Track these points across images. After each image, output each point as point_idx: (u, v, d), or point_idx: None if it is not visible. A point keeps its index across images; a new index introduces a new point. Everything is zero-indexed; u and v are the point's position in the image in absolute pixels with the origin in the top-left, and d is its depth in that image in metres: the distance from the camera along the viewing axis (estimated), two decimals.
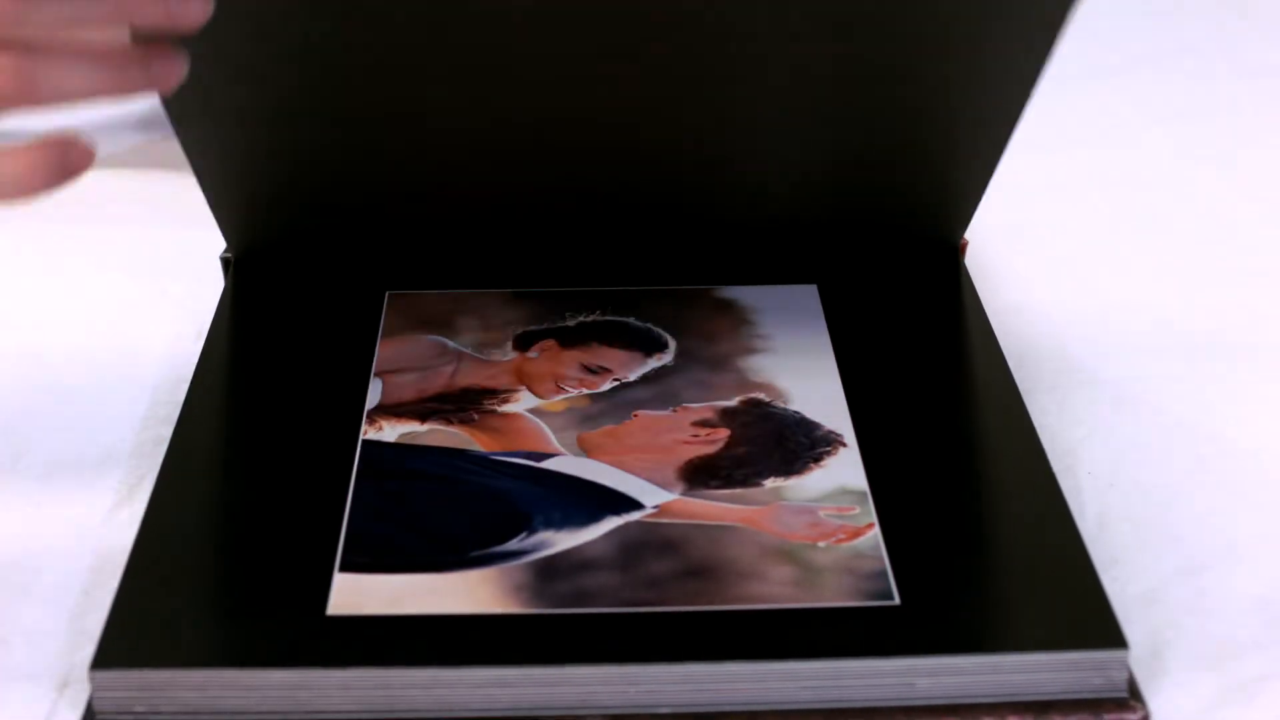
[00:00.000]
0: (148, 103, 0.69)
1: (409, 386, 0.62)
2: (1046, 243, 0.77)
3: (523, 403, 0.61)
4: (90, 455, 0.62)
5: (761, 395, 0.61)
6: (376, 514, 0.55)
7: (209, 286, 0.70)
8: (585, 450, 0.58)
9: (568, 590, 0.52)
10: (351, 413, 0.60)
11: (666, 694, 0.49)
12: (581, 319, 0.66)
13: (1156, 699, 0.51)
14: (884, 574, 0.52)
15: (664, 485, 0.57)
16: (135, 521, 0.55)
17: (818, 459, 0.58)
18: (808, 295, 0.67)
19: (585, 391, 0.62)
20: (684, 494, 0.56)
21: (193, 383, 0.62)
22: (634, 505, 0.56)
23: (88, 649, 0.50)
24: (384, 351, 0.64)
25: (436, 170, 0.69)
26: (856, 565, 0.53)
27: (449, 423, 0.60)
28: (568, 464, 0.58)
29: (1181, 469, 0.61)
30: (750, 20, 0.63)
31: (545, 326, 0.66)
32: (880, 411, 0.60)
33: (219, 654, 0.50)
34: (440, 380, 0.63)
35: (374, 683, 0.49)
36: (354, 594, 0.52)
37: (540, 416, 0.60)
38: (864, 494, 0.56)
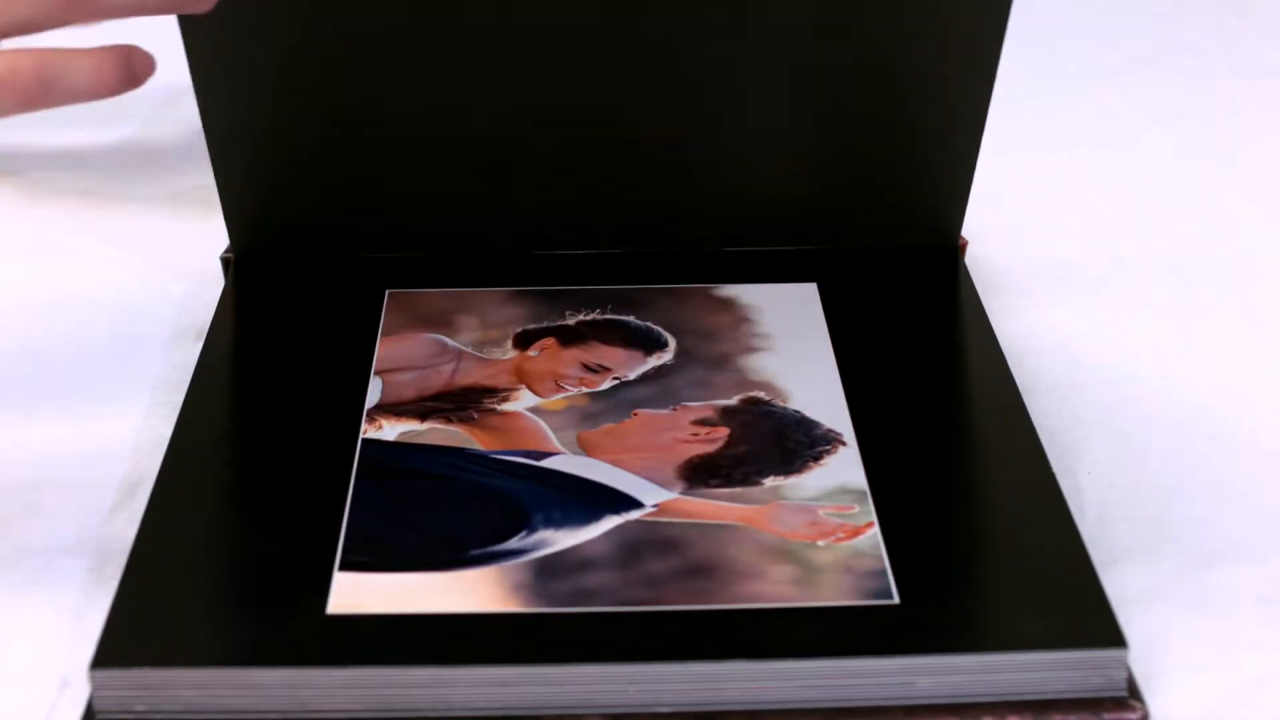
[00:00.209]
0: None
1: (409, 385, 0.62)
2: (1046, 243, 0.77)
3: (522, 401, 0.61)
4: (90, 454, 0.62)
5: (761, 394, 0.61)
6: (376, 513, 0.55)
7: (209, 286, 0.70)
8: (585, 449, 0.58)
9: (567, 589, 0.52)
10: (351, 411, 0.60)
11: (666, 693, 0.49)
12: (581, 318, 0.66)
13: (1156, 699, 0.51)
14: (883, 573, 0.52)
15: (664, 484, 0.57)
16: (135, 521, 0.55)
17: (817, 458, 0.58)
18: (808, 294, 0.67)
19: (585, 390, 0.62)
20: (684, 493, 0.56)
21: (193, 383, 0.62)
22: (634, 504, 0.56)
23: (88, 649, 0.50)
24: (384, 350, 0.64)
25: (436, 168, 0.70)
26: (856, 564, 0.53)
27: (449, 421, 0.60)
28: (567, 463, 0.58)
29: (1181, 469, 0.61)
30: (735, 21, 0.65)
31: (545, 325, 0.66)
32: (880, 411, 0.60)
33: (219, 653, 0.50)
34: (440, 379, 0.63)
35: (374, 682, 0.49)
36: (354, 593, 0.52)
37: (540, 415, 0.60)
38: (863, 493, 0.56)
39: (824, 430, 0.59)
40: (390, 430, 0.59)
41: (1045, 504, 0.55)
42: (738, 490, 0.56)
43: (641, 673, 0.49)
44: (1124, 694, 0.50)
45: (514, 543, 0.54)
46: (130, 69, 0.55)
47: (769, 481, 0.57)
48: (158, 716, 0.49)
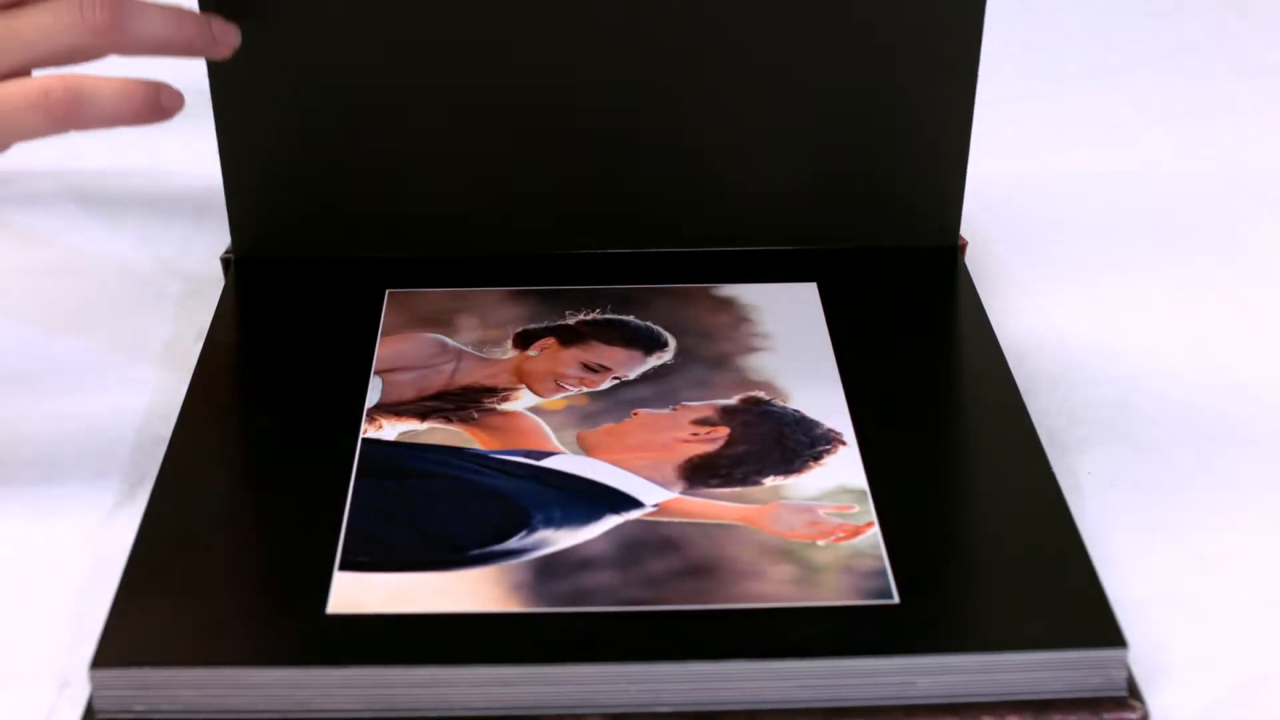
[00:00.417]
0: None
1: (409, 385, 0.62)
2: (1046, 243, 0.77)
3: (522, 401, 0.61)
4: (90, 455, 0.62)
5: (761, 394, 0.61)
6: (376, 513, 0.55)
7: (209, 286, 0.70)
8: (585, 449, 0.58)
9: (567, 589, 0.52)
10: (351, 411, 0.60)
11: (666, 693, 0.49)
12: (581, 317, 0.66)
13: (1156, 699, 0.51)
14: (883, 573, 0.52)
15: (664, 484, 0.57)
16: (135, 521, 0.55)
17: (817, 457, 0.58)
18: (808, 294, 0.67)
19: (585, 390, 0.62)
20: (684, 492, 0.56)
21: (192, 382, 0.62)
22: (633, 504, 0.56)
23: (88, 649, 0.50)
24: (384, 350, 0.64)
25: (437, 168, 0.70)
26: (856, 564, 0.53)
27: (449, 421, 0.60)
28: (567, 462, 0.58)
29: (1181, 468, 0.61)
30: (733, 26, 0.66)
31: (545, 325, 0.66)
32: (880, 410, 0.60)
33: (219, 653, 0.50)
34: (440, 379, 0.63)
35: (374, 682, 0.49)
36: (354, 593, 0.52)
37: (540, 415, 0.60)
38: (863, 493, 0.56)
39: (824, 430, 0.59)
40: (390, 430, 0.59)
41: (1045, 504, 0.55)
42: (737, 490, 0.56)
43: (641, 673, 0.49)
44: (1124, 694, 0.50)
45: (514, 542, 0.54)
46: (156, 101, 0.59)
47: (769, 481, 0.57)
48: (158, 716, 0.49)
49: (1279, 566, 0.57)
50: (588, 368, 0.63)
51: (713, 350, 0.64)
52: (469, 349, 0.64)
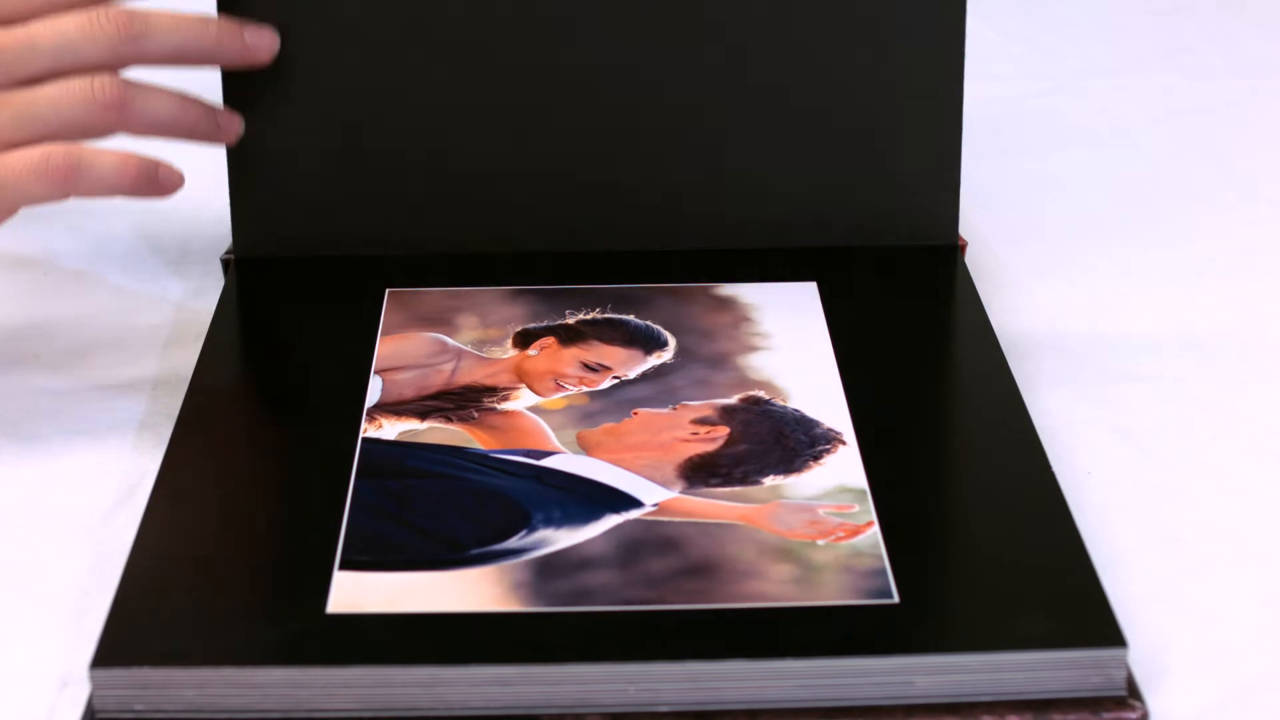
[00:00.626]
0: None
1: (409, 384, 0.62)
2: (1046, 243, 0.77)
3: (522, 400, 0.61)
4: (90, 454, 0.62)
5: (761, 393, 0.61)
6: (376, 512, 0.55)
7: (209, 286, 0.70)
8: (585, 448, 0.58)
9: (567, 588, 0.52)
10: (351, 411, 0.60)
11: (666, 692, 0.49)
12: (581, 317, 0.66)
13: (1157, 699, 0.51)
14: (883, 572, 0.52)
15: (663, 483, 0.57)
16: (135, 521, 0.55)
17: (817, 457, 0.58)
18: (807, 293, 0.67)
19: (585, 389, 0.62)
20: (683, 492, 0.56)
21: (192, 382, 0.62)
22: (633, 503, 0.56)
23: (88, 649, 0.50)
24: (384, 349, 0.64)
25: (437, 167, 0.70)
26: (855, 563, 0.53)
27: (449, 420, 0.60)
28: (567, 462, 0.58)
29: (1182, 468, 0.61)
30: (731, 28, 0.68)
31: (545, 324, 0.66)
32: (879, 410, 0.60)
33: (219, 652, 0.50)
34: (440, 378, 0.63)
35: (374, 681, 0.49)
36: (354, 592, 0.52)
37: (540, 414, 0.60)
38: (863, 492, 0.56)
39: (824, 429, 0.59)
40: (390, 429, 0.59)
41: (1045, 504, 0.55)
42: (737, 489, 0.56)
43: (641, 672, 0.49)
44: (1124, 693, 0.50)
45: (514, 542, 0.54)
46: (153, 177, 0.63)
47: (769, 480, 0.57)
48: (158, 716, 0.49)
49: (1279, 566, 0.57)
50: (588, 367, 0.63)
51: (713, 349, 0.64)
52: (469, 348, 0.64)
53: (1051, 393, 0.65)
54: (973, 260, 0.71)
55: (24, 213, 0.63)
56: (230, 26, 0.66)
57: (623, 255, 0.70)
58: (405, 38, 0.68)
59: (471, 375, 0.63)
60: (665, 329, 0.65)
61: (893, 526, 0.54)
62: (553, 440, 0.59)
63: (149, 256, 0.75)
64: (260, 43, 0.66)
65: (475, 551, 0.53)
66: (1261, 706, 0.51)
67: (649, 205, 0.70)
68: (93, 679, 0.49)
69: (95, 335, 0.70)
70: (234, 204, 0.69)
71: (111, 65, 0.63)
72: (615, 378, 0.62)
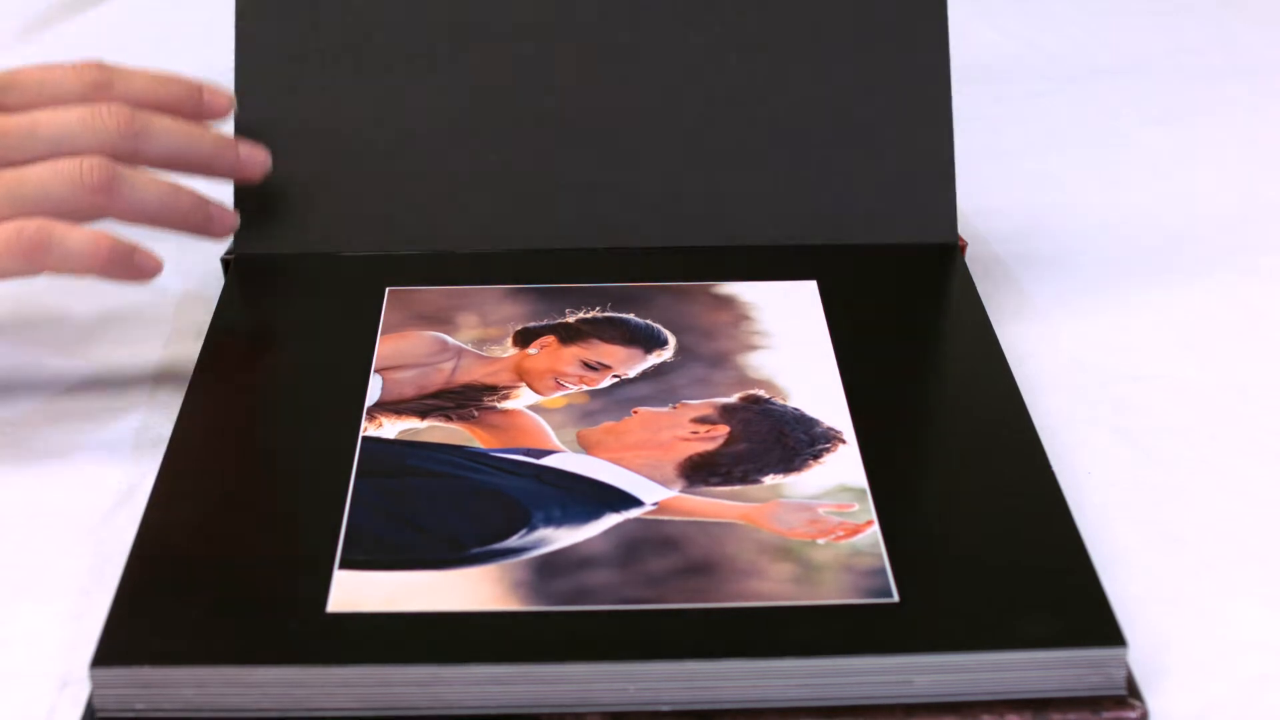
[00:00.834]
0: None
1: (409, 383, 0.62)
2: (1047, 243, 0.77)
3: (522, 399, 0.61)
4: (90, 454, 0.62)
5: (761, 392, 0.61)
6: (376, 511, 0.55)
7: (209, 286, 0.70)
8: (585, 447, 0.58)
9: (567, 587, 0.52)
10: (351, 409, 0.60)
11: (666, 692, 0.49)
12: (581, 315, 0.66)
13: (1156, 699, 0.51)
14: (883, 571, 0.52)
15: (663, 482, 0.57)
16: (135, 521, 0.55)
17: (817, 456, 0.58)
18: (807, 292, 0.67)
19: (585, 388, 0.62)
20: (683, 491, 0.56)
21: (192, 382, 0.62)
22: (633, 502, 0.56)
23: (88, 649, 0.50)
24: (384, 348, 0.64)
25: (437, 166, 0.70)
26: (855, 563, 0.53)
27: (449, 419, 0.60)
28: (567, 461, 0.58)
29: (1182, 468, 0.61)
30: (729, 30, 0.69)
31: (545, 323, 0.66)
32: (880, 409, 0.60)
33: (219, 651, 0.50)
34: (440, 377, 0.63)
35: (374, 680, 0.49)
36: (354, 591, 0.52)
37: (540, 413, 0.60)
38: (863, 491, 0.56)
39: (824, 428, 0.59)
40: (390, 428, 0.59)
41: (1045, 504, 0.55)
42: (737, 488, 0.56)
43: (641, 671, 0.49)
44: (1123, 693, 0.50)
45: (514, 541, 0.54)
46: (128, 260, 0.62)
47: (769, 479, 0.57)
48: (158, 715, 0.49)
49: (1279, 566, 0.57)
50: (588, 366, 0.63)
51: (712, 348, 0.64)
52: (469, 347, 0.64)
53: (1051, 393, 0.65)
54: (973, 260, 0.71)
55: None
56: (226, 140, 0.67)
57: (623, 254, 0.70)
58: (405, 36, 0.68)
59: (471, 374, 0.63)
60: (665, 328, 0.65)
61: (893, 526, 0.54)
62: (553, 439, 0.59)
63: None
64: (253, 159, 0.67)
65: (475, 550, 0.53)
66: (1261, 706, 0.51)
67: (649, 204, 0.70)
68: (93, 679, 0.49)
69: (95, 334, 0.70)
70: (234, 203, 0.69)
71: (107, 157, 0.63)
72: (615, 376, 0.62)
